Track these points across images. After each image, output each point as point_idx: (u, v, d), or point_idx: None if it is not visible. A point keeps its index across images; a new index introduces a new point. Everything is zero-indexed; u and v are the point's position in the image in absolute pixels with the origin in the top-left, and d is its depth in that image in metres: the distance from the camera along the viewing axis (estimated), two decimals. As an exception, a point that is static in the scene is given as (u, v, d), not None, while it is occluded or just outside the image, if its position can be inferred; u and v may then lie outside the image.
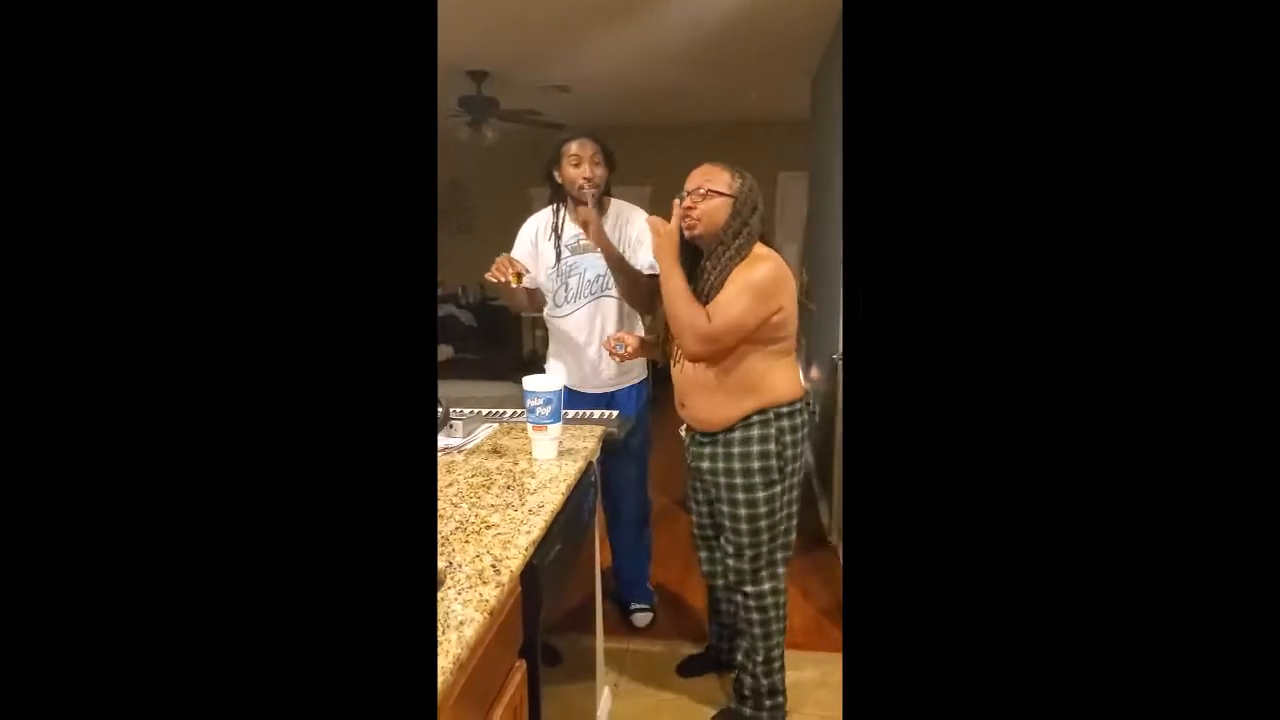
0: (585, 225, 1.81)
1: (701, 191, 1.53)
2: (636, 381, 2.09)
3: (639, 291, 1.90)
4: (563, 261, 1.97)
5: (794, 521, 1.67)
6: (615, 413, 1.88)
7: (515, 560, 1.00)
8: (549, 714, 1.16)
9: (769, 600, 1.66)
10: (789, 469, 1.60)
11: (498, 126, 4.55)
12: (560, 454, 1.45)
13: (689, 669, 1.97)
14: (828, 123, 3.26)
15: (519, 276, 1.76)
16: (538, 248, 2.01)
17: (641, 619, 2.23)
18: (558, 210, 1.99)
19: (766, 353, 1.55)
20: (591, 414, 1.83)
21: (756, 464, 1.57)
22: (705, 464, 1.64)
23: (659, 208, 1.66)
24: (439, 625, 0.82)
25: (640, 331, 2.02)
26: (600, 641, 1.70)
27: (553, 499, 1.22)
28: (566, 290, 1.99)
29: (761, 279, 1.49)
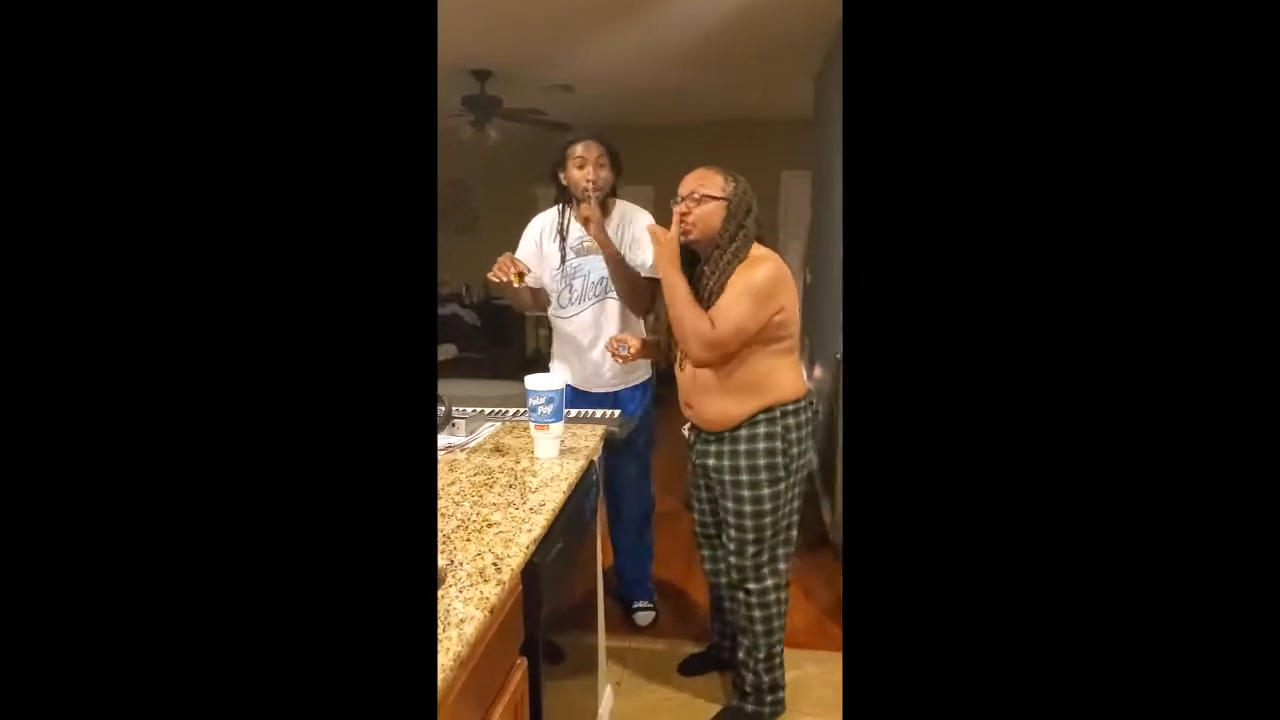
0: (587, 222, 1.81)
1: (695, 197, 1.54)
2: (640, 381, 2.09)
3: (636, 293, 1.90)
4: (568, 263, 1.97)
5: (797, 518, 1.68)
6: (617, 412, 1.88)
7: (516, 558, 1.00)
8: (550, 711, 1.17)
9: (771, 597, 1.67)
10: (794, 466, 1.61)
11: (501, 126, 4.56)
12: (562, 453, 1.45)
13: (691, 668, 1.98)
14: (831, 122, 3.26)
15: (520, 276, 1.77)
16: (543, 249, 2.01)
17: (644, 617, 2.23)
18: (563, 211, 1.99)
19: (770, 351, 1.56)
20: (593, 413, 1.83)
21: (763, 461, 1.58)
22: (711, 461, 1.65)
23: (662, 207, 1.66)
24: (440, 623, 0.82)
25: (643, 333, 2.03)
26: (602, 639, 1.70)
27: (554, 497, 1.22)
28: (571, 292, 1.99)
29: (761, 281, 1.50)
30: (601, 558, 1.67)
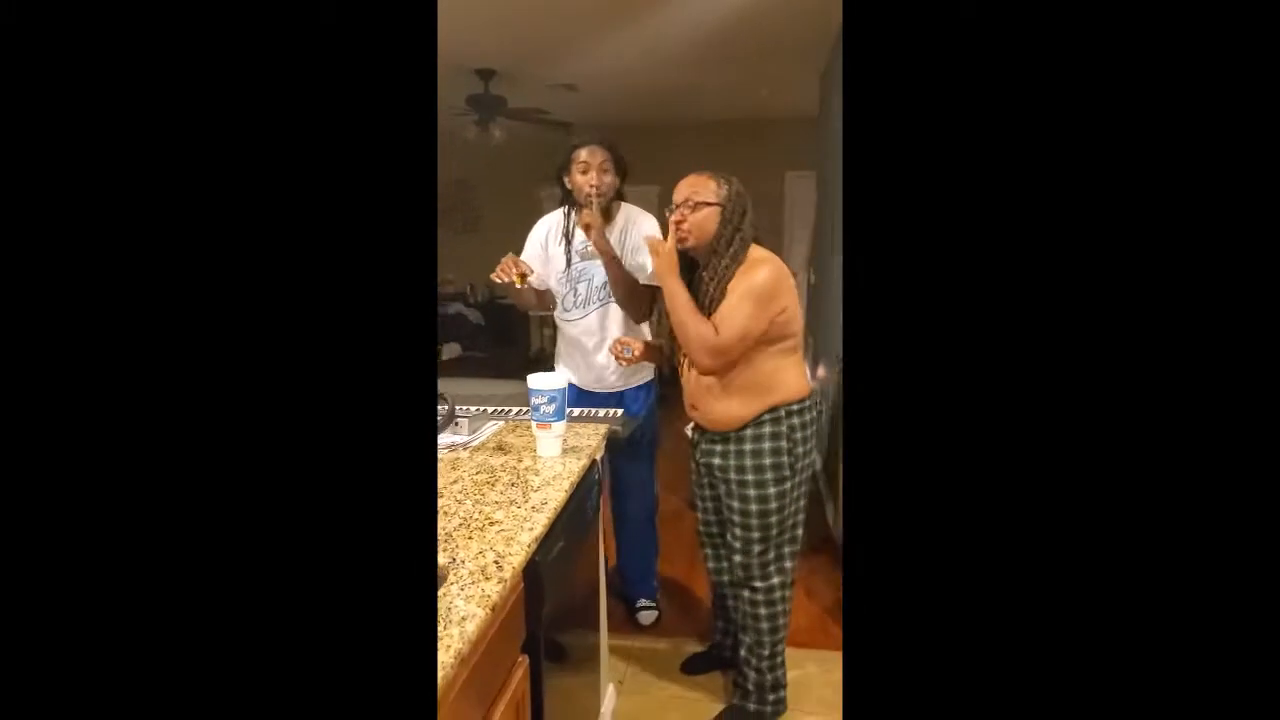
0: (588, 229, 1.81)
1: (690, 203, 1.55)
2: (644, 382, 2.09)
3: (634, 300, 1.90)
4: (573, 267, 1.97)
5: (802, 517, 1.68)
6: (619, 411, 1.88)
7: (518, 556, 1.01)
8: (552, 709, 1.17)
9: (777, 595, 1.67)
10: (799, 465, 1.61)
11: (505, 125, 4.56)
12: (564, 451, 1.46)
13: (694, 666, 1.98)
14: (836, 121, 3.25)
15: (523, 277, 1.77)
16: (548, 251, 2.01)
17: (647, 617, 2.23)
18: (568, 214, 1.99)
19: (774, 352, 1.57)
20: (596, 412, 1.83)
21: (768, 460, 1.58)
22: (716, 461, 1.65)
23: (667, 206, 1.66)
24: (441, 620, 0.83)
25: (648, 336, 2.03)
26: (605, 638, 1.71)
27: (556, 496, 1.23)
28: (575, 296, 1.99)
29: (762, 283, 1.50)
30: (605, 557, 1.68)
